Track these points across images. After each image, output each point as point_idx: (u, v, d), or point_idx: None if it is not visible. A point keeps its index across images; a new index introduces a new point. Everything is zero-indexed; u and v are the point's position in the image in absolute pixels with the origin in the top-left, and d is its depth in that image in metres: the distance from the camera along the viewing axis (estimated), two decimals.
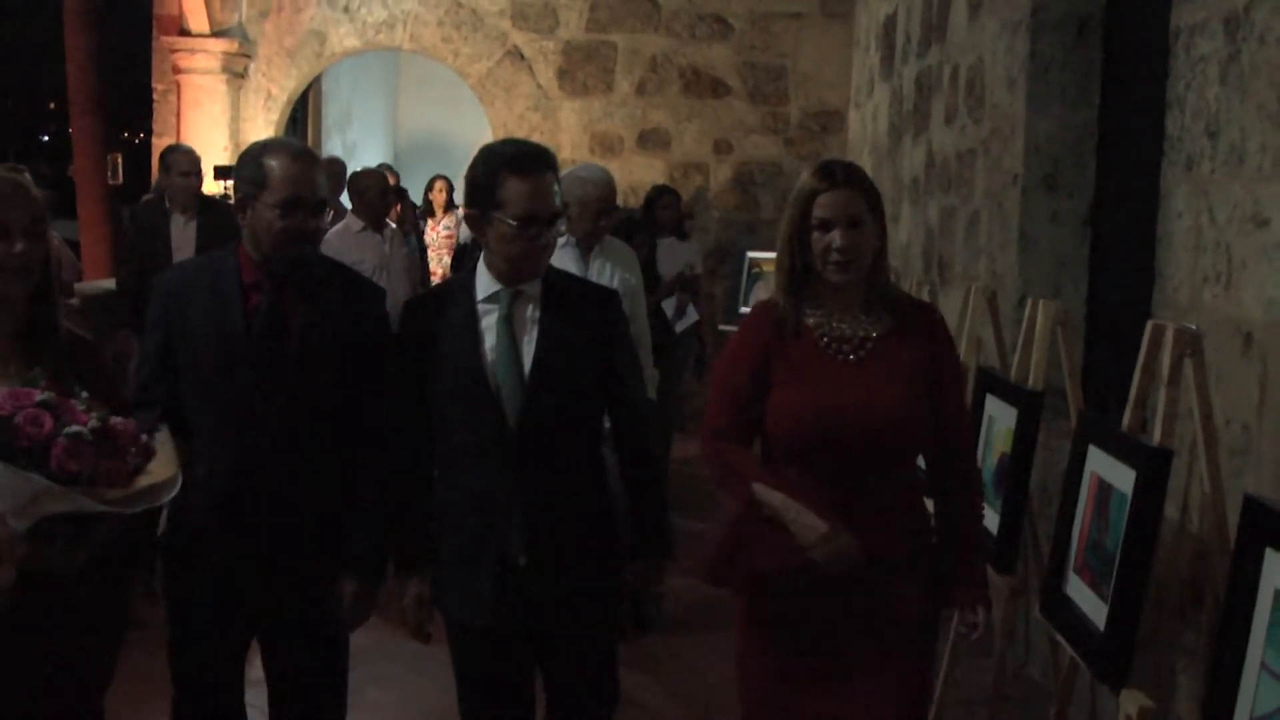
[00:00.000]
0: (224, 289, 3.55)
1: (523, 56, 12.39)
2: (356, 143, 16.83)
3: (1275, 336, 3.68)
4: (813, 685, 3.35)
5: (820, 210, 3.24)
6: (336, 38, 12.50)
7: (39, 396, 2.79)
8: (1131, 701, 3.27)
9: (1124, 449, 3.59)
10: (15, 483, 2.70)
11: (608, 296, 3.71)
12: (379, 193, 8.28)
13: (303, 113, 14.58)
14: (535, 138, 11.94)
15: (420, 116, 18.86)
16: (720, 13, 12.32)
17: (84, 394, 2.93)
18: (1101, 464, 3.72)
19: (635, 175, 12.04)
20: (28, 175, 4.93)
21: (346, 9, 12.42)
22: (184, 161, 8.39)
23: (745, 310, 11.04)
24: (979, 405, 4.90)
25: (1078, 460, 3.90)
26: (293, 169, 3.44)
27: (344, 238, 8.09)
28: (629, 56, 12.35)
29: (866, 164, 11.04)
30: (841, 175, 3.29)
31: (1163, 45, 4.62)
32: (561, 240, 5.65)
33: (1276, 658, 2.60)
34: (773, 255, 10.43)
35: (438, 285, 3.75)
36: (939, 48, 8.37)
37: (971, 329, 5.51)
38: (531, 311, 3.48)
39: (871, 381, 3.26)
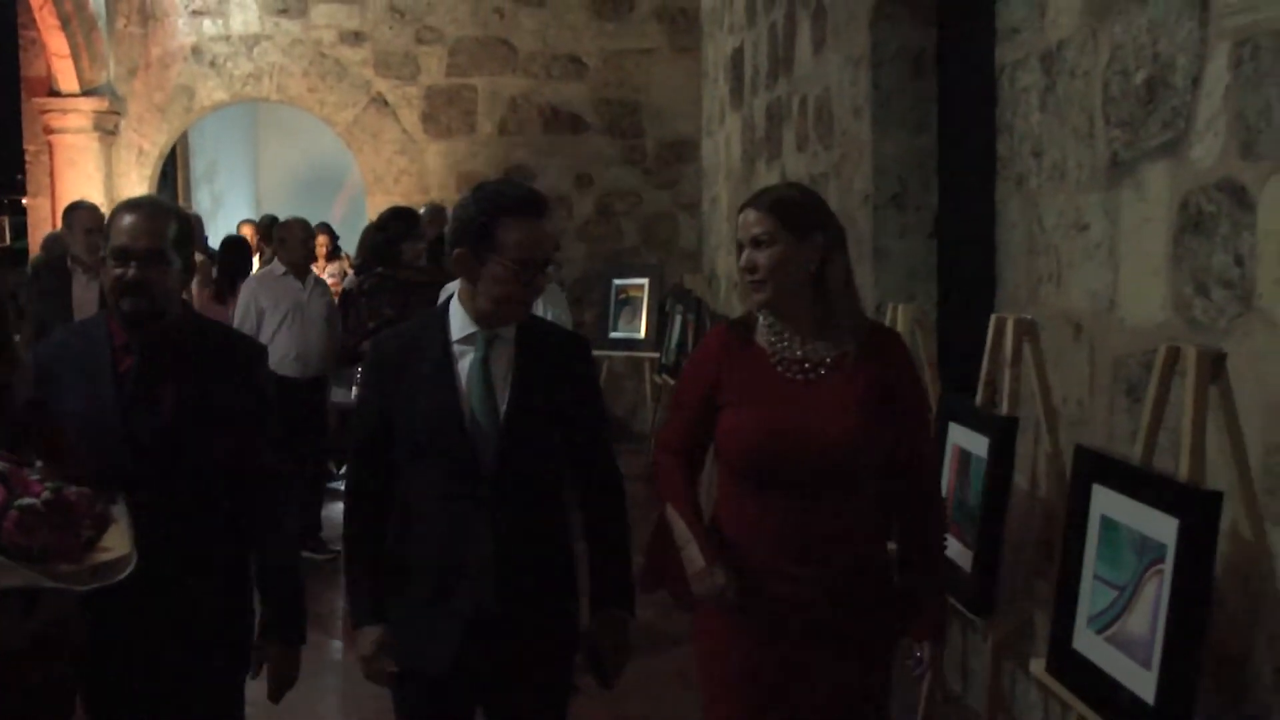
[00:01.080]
0: (94, 353, 3.47)
1: (387, 103, 12.87)
2: (223, 193, 17.11)
3: (1099, 325, 4.31)
4: (766, 711, 3.34)
5: (738, 231, 3.37)
6: (205, 91, 12.86)
7: None
8: (995, 628, 3.92)
9: (978, 421, 4.24)
10: None
11: (580, 344, 3.66)
12: (300, 240, 8.68)
13: (171, 167, 14.85)
14: (404, 180, 12.52)
15: (281, 164, 19.10)
16: (574, 52, 12.92)
17: (38, 463, 2.89)
18: (961, 436, 4.37)
19: None
20: None
21: (213, 63, 12.79)
22: (87, 218, 8.29)
23: (615, 335, 11.62)
24: None
25: (940, 435, 4.53)
26: (123, 220, 3.40)
27: (264, 280, 8.58)
28: (489, 98, 12.89)
29: (724, 189, 11.70)
30: (761, 197, 3.39)
31: (990, 78, 5.28)
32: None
33: (1105, 569, 3.24)
34: (638, 281, 11.01)
35: (407, 324, 3.71)
36: (786, 80, 9.04)
37: None
38: (508, 355, 3.41)
39: (821, 404, 3.26)
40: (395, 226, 7.89)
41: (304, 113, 13.53)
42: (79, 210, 8.49)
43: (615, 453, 3.61)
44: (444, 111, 12.88)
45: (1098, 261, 4.34)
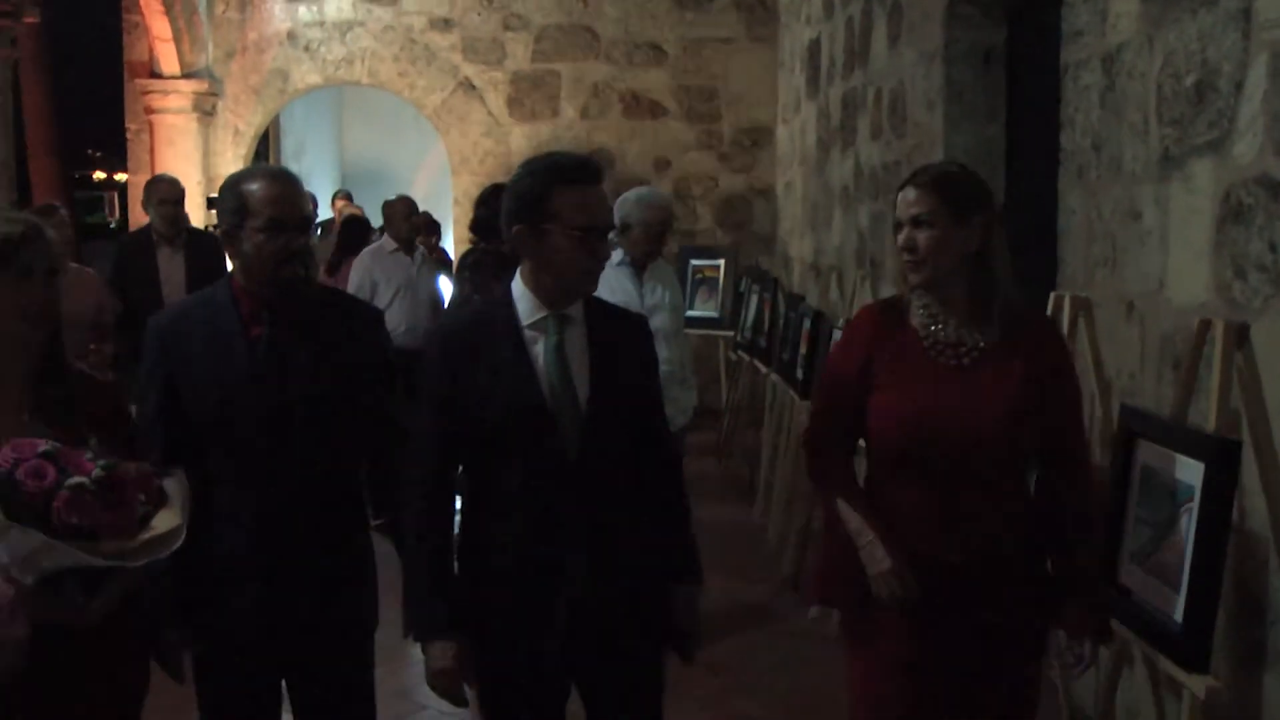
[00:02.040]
0: (222, 323, 3.44)
1: (474, 87, 13.42)
2: (310, 171, 17.70)
3: (1150, 304, 4.75)
4: (922, 702, 3.29)
5: (896, 210, 3.31)
6: (299, 74, 13.47)
7: (42, 447, 2.71)
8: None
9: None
10: (17, 538, 2.63)
11: (642, 323, 3.60)
12: (403, 217, 9.24)
13: (264, 146, 15.46)
14: (489, 162, 13.03)
15: (364, 145, 19.71)
16: (655, 40, 13.43)
17: (93, 440, 2.87)
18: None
19: None
20: (63, 213, 5.20)
21: (307, 48, 13.39)
22: (166, 190, 8.48)
23: (692, 314, 12.08)
24: None
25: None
26: (272, 191, 3.38)
27: (377, 256, 9.12)
28: (572, 84, 13.42)
29: (798, 174, 12.14)
30: (922, 175, 3.32)
31: (1055, 76, 5.71)
32: (616, 259, 6.08)
33: (1144, 511, 3.67)
34: (714, 262, 11.47)
35: (468, 310, 3.56)
36: (862, 71, 9.47)
37: None
38: (581, 338, 3.30)
39: (975, 389, 3.20)
40: (497, 203, 8.15)
41: (386, 94, 14.13)
42: (159, 184, 8.69)
43: (688, 429, 3.64)
44: (529, 96, 13.42)
45: (1149, 247, 4.77)
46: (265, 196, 3.37)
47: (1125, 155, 4.98)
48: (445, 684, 3.26)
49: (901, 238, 3.25)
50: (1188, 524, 3.34)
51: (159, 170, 12.88)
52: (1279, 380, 3.79)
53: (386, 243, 9.25)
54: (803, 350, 7.80)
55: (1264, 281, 3.95)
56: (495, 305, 3.38)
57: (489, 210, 8.12)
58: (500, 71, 13.42)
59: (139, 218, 11.07)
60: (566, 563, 3.21)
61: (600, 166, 3.34)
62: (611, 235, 3.62)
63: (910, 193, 3.26)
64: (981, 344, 3.24)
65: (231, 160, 13.35)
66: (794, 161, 12.49)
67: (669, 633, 3.42)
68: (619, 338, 3.38)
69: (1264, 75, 3.94)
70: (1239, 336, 3.56)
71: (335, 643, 3.54)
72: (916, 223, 3.22)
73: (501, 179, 12.65)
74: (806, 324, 7.85)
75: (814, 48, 11.36)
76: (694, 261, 12.18)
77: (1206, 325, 3.69)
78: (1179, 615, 3.29)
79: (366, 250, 9.53)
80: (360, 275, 9.04)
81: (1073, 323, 4.54)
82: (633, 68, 13.44)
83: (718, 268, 12.08)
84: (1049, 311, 4.56)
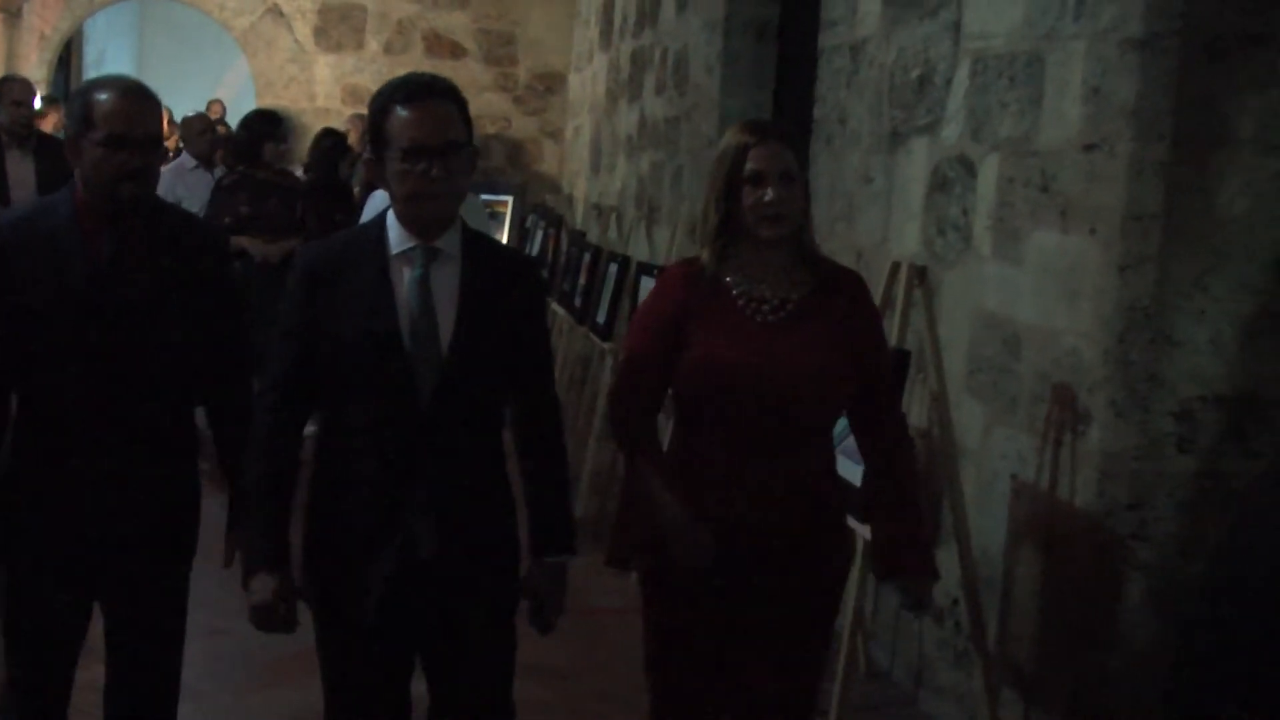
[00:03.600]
0: (61, 236, 3.25)
1: (282, 14, 13.96)
2: None
3: (875, 253, 5.74)
4: (718, 660, 3.31)
5: (753, 163, 3.14)
6: None
7: None
8: None
9: None
10: None
11: (531, 265, 3.47)
12: (197, 133, 9.29)
13: (66, 53, 15.70)
14: (293, 88, 13.60)
15: (164, 59, 19.78)
16: None
17: None
18: None
19: None
20: None
21: None
22: (19, 91, 8.19)
23: None
24: None
25: None
26: (117, 104, 3.20)
27: (178, 173, 9.06)
28: (378, 19, 14.09)
29: (587, 120, 13.03)
30: (773, 130, 3.24)
31: (813, 56, 6.70)
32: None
33: None
34: (503, 198, 12.35)
35: (341, 234, 3.39)
36: (651, 31, 10.40)
37: (680, 252, 7.53)
38: (450, 274, 3.06)
39: (789, 344, 3.17)
40: (259, 127, 8.26)
41: (187, 11, 14.57)
42: (8, 83, 8.38)
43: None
44: (335, 27, 14.06)
45: (877, 207, 5.78)
46: (110, 109, 3.20)
47: (863, 129, 5.98)
48: (261, 618, 3.10)
49: (770, 193, 3.12)
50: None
51: None
52: (965, 312, 4.84)
53: (186, 159, 9.24)
54: (581, 281, 8.71)
55: (958, 239, 4.98)
56: (367, 230, 3.17)
57: (248, 133, 8.28)
58: (309, 1, 13.98)
59: None
60: (404, 510, 3.02)
61: (447, 84, 3.09)
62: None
63: (774, 146, 3.16)
64: (794, 298, 3.22)
65: (36, 65, 13.63)
66: (584, 108, 13.39)
67: (529, 600, 3.22)
68: (499, 279, 3.13)
69: (966, 76, 4.95)
70: (919, 275, 4.56)
71: (150, 565, 3.43)
72: (785, 177, 3.16)
73: (305, 104, 13.48)
74: (586, 257, 8.76)
75: (609, 4, 12.24)
76: (484, 197, 12.94)
77: (897, 266, 4.67)
78: (858, 481, 4.09)
79: (167, 168, 9.59)
80: (163, 193, 9.19)
81: (908, 290, 4.78)
82: (437, 8, 14.19)
83: (506, 203, 12.91)
84: (885, 279, 4.80)
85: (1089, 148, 4.15)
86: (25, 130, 8.22)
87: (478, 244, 3.17)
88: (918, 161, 5.37)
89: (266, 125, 8.30)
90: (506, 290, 3.14)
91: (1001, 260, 4.67)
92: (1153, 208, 3.90)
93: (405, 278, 3.04)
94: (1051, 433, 4.31)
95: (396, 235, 3.07)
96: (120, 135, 3.19)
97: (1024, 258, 4.52)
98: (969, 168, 4.93)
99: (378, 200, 6.07)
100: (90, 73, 17.11)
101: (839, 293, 3.29)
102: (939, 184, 5.16)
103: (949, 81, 5.11)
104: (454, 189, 3.02)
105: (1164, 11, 3.87)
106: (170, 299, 3.31)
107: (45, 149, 8.16)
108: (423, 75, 3.10)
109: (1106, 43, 4.08)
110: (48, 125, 10.53)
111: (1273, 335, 3.93)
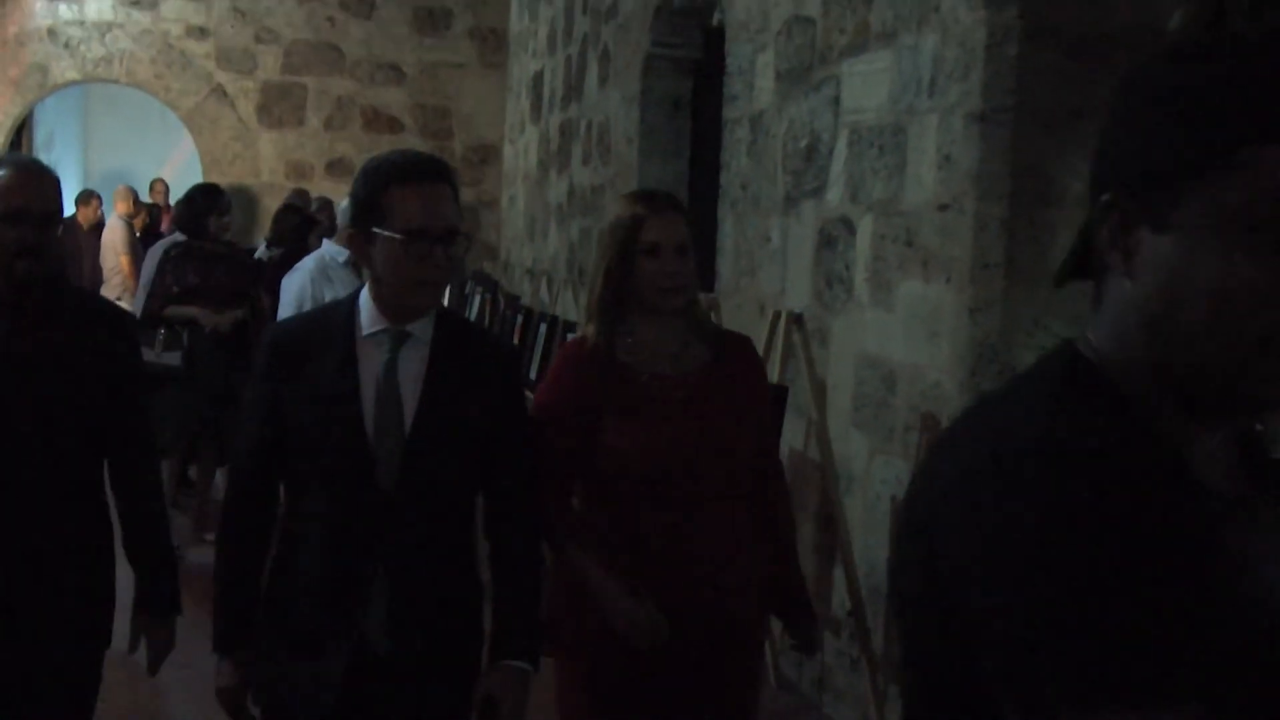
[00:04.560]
0: None
1: (226, 94, 14.50)
2: (58, 161, 18.35)
3: (774, 304, 6.29)
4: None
5: (650, 235, 3.12)
6: (58, 70, 14.38)
7: None
8: None
9: None
10: None
11: (509, 353, 3.35)
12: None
13: (18, 136, 16.16)
14: (238, 164, 14.16)
15: (110, 141, 20.32)
16: (395, 62, 14.82)
17: None
18: None
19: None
20: None
21: (67, 45, 14.31)
22: None
23: None
24: None
25: None
26: (14, 180, 3.18)
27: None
28: (318, 96, 14.68)
29: (521, 189, 13.64)
30: (665, 201, 3.24)
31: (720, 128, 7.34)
32: (343, 257, 6.15)
33: None
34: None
35: (311, 312, 3.28)
36: (577, 104, 11.04)
37: None
38: (418, 358, 2.96)
39: (703, 419, 3.16)
40: (201, 201, 8.28)
41: (132, 92, 15.08)
42: None
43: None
44: (277, 104, 14.63)
45: (775, 263, 6.39)
46: (5, 186, 3.17)
47: (762, 194, 6.60)
48: (224, 702, 3.04)
49: (669, 265, 3.14)
50: None
51: None
52: (850, 355, 5.44)
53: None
54: (514, 341, 9.27)
55: (842, 290, 5.59)
56: (337, 309, 3.06)
57: (191, 207, 8.33)
58: (251, 80, 14.58)
59: None
60: (357, 602, 2.91)
61: (445, 166, 3.01)
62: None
63: (669, 216, 3.18)
64: (695, 370, 3.22)
65: None
66: (518, 178, 14.01)
67: (482, 707, 3.01)
68: (471, 365, 3.01)
69: (845, 146, 5.58)
70: (796, 321, 5.17)
71: (58, 659, 3.28)
72: (681, 249, 3.16)
73: (250, 180, 14.04)
74: (519, 319, 9.34)
75: (538, 79, 12.88)
76: None
77: (778, 315, 5.28)
78: None
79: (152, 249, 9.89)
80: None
81: (788, 336, 5.71)
82: (374, 85, 14.80)
83: None
84: (768, 326, 5.54)
85: (943, 207, 4.76)
86: None
87: (451, 328, 3.06)
88: (807, 222, 5.98)
89: (209, 199, 8.35)
90: (478, 377, 3.01)
91: (877, 307, 5.28)
92: (996, 258, 4.51)
93: (373, 361, 2.94)
94: (921, 456, 4.90)
95: (368, 316, 2.97)
96: (16, 211, 3.15)
97: (895, 304, 5.13)
98: (849, 226, 5.54)
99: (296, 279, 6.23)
100: (40, 154, 17.57)
101: (734, 360, 3.32)
102: (825, 241, 5.77)
103: (831, 150, 5.74)
104: (449, 276, 3.01)
105: (1000, 90, 4.50)
106: (65, 376, 3.22)
107: None
108: (419, 154, 3.01)
109: (954, 116, 4.70)
110: None
111: None
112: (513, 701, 2.98)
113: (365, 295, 2.99)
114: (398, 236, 2.83)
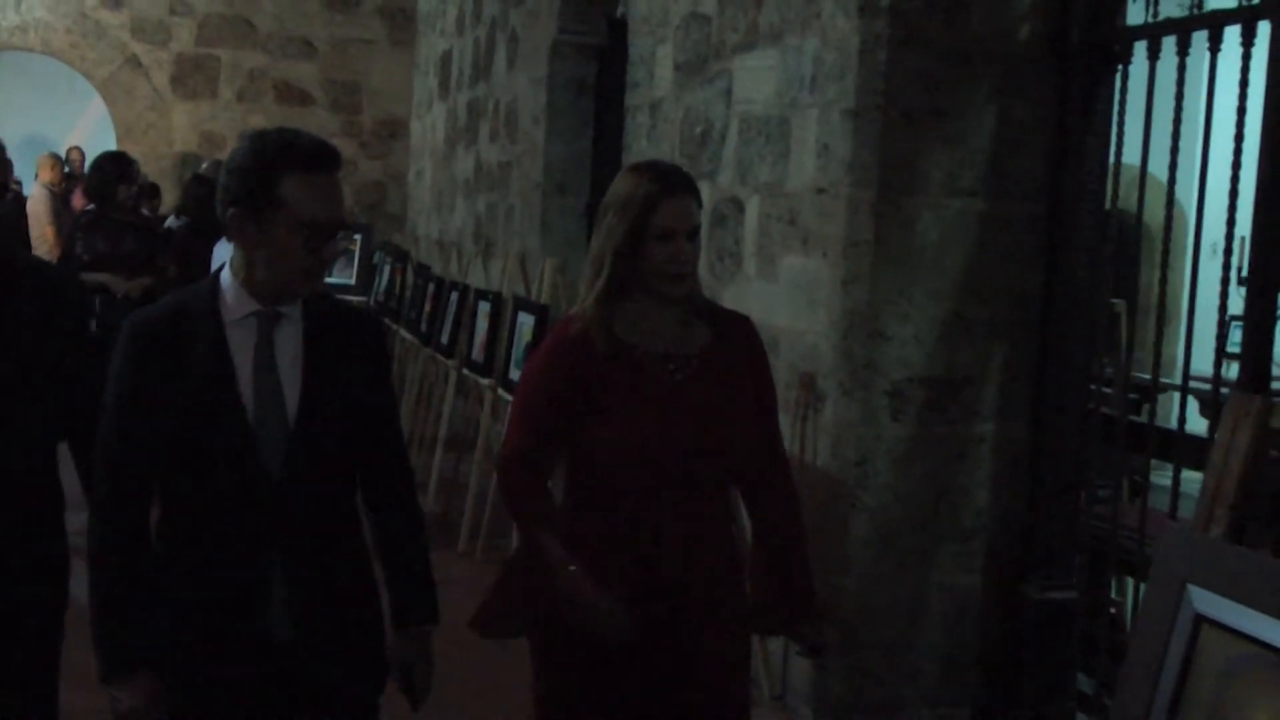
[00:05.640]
0: None
1: (140, 64, 14.81)
2: None
3: None
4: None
5: (664, 219, 2.94)
6: None
7: None
8: None
9: None
10: None
11: (373, 321, 3.18)
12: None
13: None
14: (151, 134, 14.48)
15: (20, 109, 20.19)
16: (307, 36, 15.26)
17: None
18: None
19: None
20: None
21: None
22: None
23: (330, 281, 13.72)
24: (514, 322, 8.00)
25: None
26: None
27: None
28: (231, 69, 15.08)
29: (428, 164, 14.10)
30: (681, 180, 3.05)
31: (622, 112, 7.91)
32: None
33: None
34: (352, 236, 13.35)
35: (168, 299, 2.94)
36: (485, 84, 11.55)
37: (509, 281, 8.67)
38: (293, 337, 2.83)
39: (705, 401, 3.02)
40: (110, 169, 8.36)
41: (40, 60, 15.32)
42: None
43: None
44: (191, 76, 15.01)
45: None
46: None
47: None
48: None
49: (681, 253, 2.99)
50: None
51: None
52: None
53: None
54: (427, 308, 9.70)
55: (731, 263, 6.20)
56: (197, 295, 2.85)
57: (101, 175, 8.48)
58: (165, 52, 14.93)
59: None
60: (255, 593, 2.80)
61: (337, 154, 2.82)
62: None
63: (684, 199, 3.01)
64: (697, 352, 3.07)
65: None
66: (425, 153, 14.48)
67: (398, 675, 3.03)
68: (342, 338, 2.92)
69: (735, 133, 6.19)
70: None
71: (13, 654, 3.13)
72: (693, 234, 3.03)
73: (164, 149, 14.36)
74: (431, 287, 9.78)
75: (446, 57, 13.34)
76: None
77: None
78: None
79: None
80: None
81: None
82: (286, 59, 15.21)
83: (355, 241, 13.90)
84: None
85: (821, 191, 5.34)
86: None
87: (317, 304, 2.90)
88: (703, 202, 6.53)
89: (118, 167, 8.39)
90: (351, 350, 2.93)
91: (763, 279, 5.86)
92: (866, 236, 5.09)
93: (245, 345, 2.79)
94: (800, 410, 5.51)
95: (236, 298, 2.80)
96: None
97: (778, 276, 5.71)
98: (739, 206, 6.13)
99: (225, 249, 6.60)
100: None
101: (736, 340, 3.18)
102: (718, 220, 6.36)
103: (724, 137, 6.32)
104: (333, 264, 2.92)
105: (871, 89, 5.09)
106: (16, 348, 3.04)
107: None
108: (314, 138, 2.79)
109: (832, 111, 5.30)
110: None
111: (959, 332, 5.18)
112: (424, 664, 3.08)
113: (227, 277, 2.83)
114: (296, 228, 2.71)
